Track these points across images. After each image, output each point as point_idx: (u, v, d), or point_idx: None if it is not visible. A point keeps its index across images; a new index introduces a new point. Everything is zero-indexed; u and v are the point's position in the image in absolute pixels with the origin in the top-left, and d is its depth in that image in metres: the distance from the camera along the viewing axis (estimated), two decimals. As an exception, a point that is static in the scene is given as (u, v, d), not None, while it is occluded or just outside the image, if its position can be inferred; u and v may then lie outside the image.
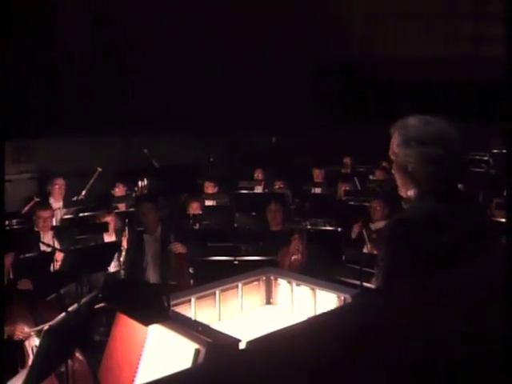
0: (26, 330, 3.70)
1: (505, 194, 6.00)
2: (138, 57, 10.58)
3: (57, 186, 7.21)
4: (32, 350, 3.62)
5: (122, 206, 7.28)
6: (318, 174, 8.78)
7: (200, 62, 10.53)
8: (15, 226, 6.04)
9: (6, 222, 5.84)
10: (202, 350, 2.15)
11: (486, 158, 9.26)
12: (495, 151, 9.17)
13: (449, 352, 0.94)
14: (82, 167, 8.04)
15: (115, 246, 5.35)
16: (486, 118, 9.41)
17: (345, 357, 0.95)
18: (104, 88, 10.29)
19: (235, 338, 2.22)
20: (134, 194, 7.76)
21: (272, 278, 3.12)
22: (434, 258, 2.01)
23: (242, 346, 2.14)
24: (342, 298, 2.79)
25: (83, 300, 3.18)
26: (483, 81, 10.16)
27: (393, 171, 2.27)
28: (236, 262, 4.75)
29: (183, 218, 6.66)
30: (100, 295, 3.90)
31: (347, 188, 7.98)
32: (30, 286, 4.25)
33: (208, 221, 6.53)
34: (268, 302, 3.13)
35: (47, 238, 5.64)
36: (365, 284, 4.38)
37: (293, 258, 5.38)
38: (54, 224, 6.37)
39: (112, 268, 5.54)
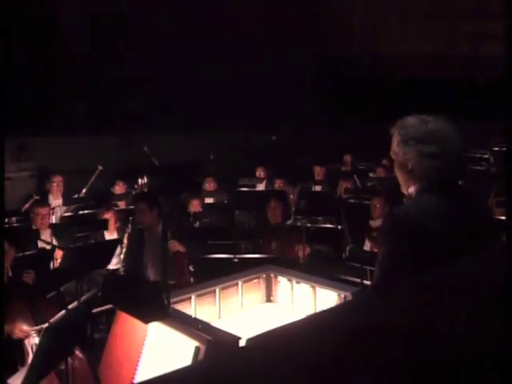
0: (25, 328, 3.69)
1: (497, 188, 6.02)
2: (138, 55, 10.57)
3: (55, 184, 7.20)
4: (32, 348, 3.62)
5: (121, 204, 7.29)
6: (318, 172, 8.79)
7: (199, 60, 10.52)
8: (15, 224, 6.03)
9: (6, 220, 5.83)
10: (202, 348, 2.15)
11: (486, 156, 9.26)
12: (496, 149, 9.17)
13: (449, 350, 0.94)
14: (82, 165, 8.04)
15: (115, 244, 5.34)
16: (487, 115, 9.39)
17: (345, 354, 0.95)
18: (104, 86, 10.29)
19: (235, 336, 2.22)
20: (133, 192, 7.76)
21: (272, 275, 3.12)
22: (434, 252, 2.02)
23: (241, 343, 2.14)
24: (343, 295, 2.78)
25: (83, 298, 3.18)
26: (483, 79, 10.15)
27: (395, 170, 2.31)
28: (236, 260, 4.73)
29: (183, 215, 6.65)
30: (100, 293, 3.90)
31: (347, 186, 7.98)
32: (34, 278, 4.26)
33: (208, 218, 6.52)
34: (268, 300, 3.12)
35: (46, 236, 5.64)
36: (365, 282, 4.38)
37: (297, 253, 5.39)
38: (54, 222, 6.37)
39: (112, 265, 5.54)
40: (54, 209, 6.62)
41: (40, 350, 2.70)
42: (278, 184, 8.01)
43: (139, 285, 4.74)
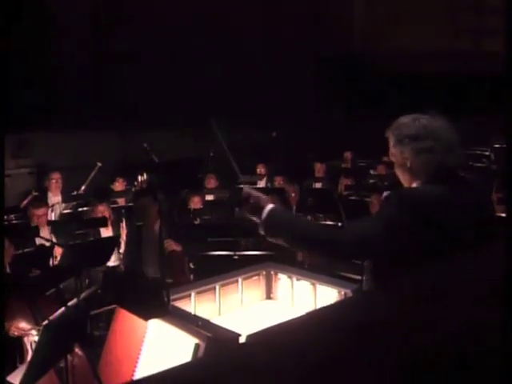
0: (24, 325, 3.68)
1: (498, 185, 6.00)
2: (138, 53, 10.56)
3: (53, 181, 7.16)
4: (31, 345, 3.61)
5: (121, 201, 7.28)
6: (319, 169, 8.78)
7: (200, 58, 10.51)
8: (14, 221, 6.02)
9: (5, 217, 5.82)
10: (202, 345, 2.14)
11: (487, 153, 9.25)
12: (496, 146, 9.15)
13: (449, 348, 0.94)
14: (81, 162, 8.03)
15: (114, 241, 5.34)
16: (488, 112, 9.38)
17: (345, 351, 0.94)
18: (103, 83, 10.28)
19: (235, 333, 2.21)
20: (133, 189, 7.75)
21: (272, 272, 3.11)
22: (433, 233, 2.05)
23: (241, 340, 2.13)
24: (343, 292, 2.78)
25: (83, 295, 3.17)
26: (485, 75, 10.13)
27: (395, 170, 2.35)
28: (236, 257, 4.73)
29: (184, 212, 6.64)
30: (99, 290, 3.90)
31: (348, 183, 7.97)
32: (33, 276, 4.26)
33: (208, 215, 6.52)
34: (268, 297, 3.12)
35: (45, 233, 5.63)
36: (366, 279, 4.36)
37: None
38: (53, 219, 6.35)
39: (111, 262, 5.53)
40: (53, 206, 6.61)
41: (39, 347, 2.69)
42: (278, 181, 8.00)
43: (139, 282, 4.74)
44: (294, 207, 7.00)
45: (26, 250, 4.77)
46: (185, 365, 1.05)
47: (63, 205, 6.97)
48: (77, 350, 2.78)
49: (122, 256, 5.48)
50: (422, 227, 2.05)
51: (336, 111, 11.12)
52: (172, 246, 5.11)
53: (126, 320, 2.52)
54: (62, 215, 6.64)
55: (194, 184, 7.79)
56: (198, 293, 2.79)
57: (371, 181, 8.35)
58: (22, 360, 3.62)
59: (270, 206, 2.25)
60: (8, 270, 4.22)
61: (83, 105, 9.73)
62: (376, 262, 2.21)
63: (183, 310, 2.57)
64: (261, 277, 3.10)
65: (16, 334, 3.71)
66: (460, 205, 2.15)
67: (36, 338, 3.42)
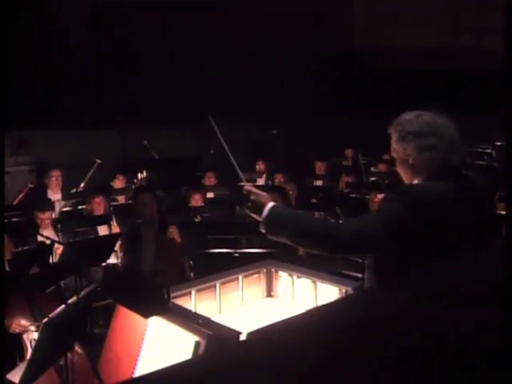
0: (23, 322, 3.68)
1: (500, 182, 5.98)
2: (138, 50, 10.55)
3: (53, 178, 7.14)
4: (30, 343, 3.60)
5: (121, 199, 7.27)
6: (320, 167, 8.78)
7: (201, 57, 10.50)
8: (13, 219, 6.00)
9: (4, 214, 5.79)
10: (203, 343, 2.14)
11: (488, 151, 9.23)
12: (498, 144, 9.12)
13: (449, 345, 0.93)
14: (81, 160, 8.02)
15: (115, 238, 5.32)
16: (489, 109, 9.35)
17: (345, 348, 0.94)
18: (103, 80, 10.27)
19: (236, 331, 2.20)
20: (133, 186, 7.74)
21: (273, 270, 3.10)
22: (434, 229, 2.05)
23: (242, 338, 2.12)
24: (344, 290, 2.77)
25: (82, 293, 3.16)
26: (485, 72, 10.10)
27: (397, 167, 2.35)
28: (236, 255, 4.72)
29: (184, 210, 6.64)
30: (99, 288, 3.88)
31: (349, 180, 7.96)
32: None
33: (209, 213, 6.51)
34: (269, 295, 3.11)
35: (48, 233, 5.59)
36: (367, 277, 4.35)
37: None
38: (53, 217, 6.34)
39: (110, 259, 5.52)
40: (53, 203, 6.60)
41: (39, 345, 2.68)
42: (278, 179, 7.99)
43: (139, 279, 4.72)
44: (293, 205, 6.99)
45: (25, 247, 4.76)
46: (185, 362, 1.04)
47: (63, 202, 6.96)
48: (77, 347, 2.78)
49: (118, 254, 5.46)
50: (423, 224, 2.04)
51: (336, 109, 11.09)
52: (174, 233, 5.14)
53: (126, 318, 2.51)
54: (61, 213, 6.63)
55: (194, 182, 7.78)
56: (199, 290, 2.78)
57: (372, 178, 8.34)
58: (22, 358, 3.62)
59: (270, 204, 2.24)
60: (7, 267, 4.21)
61: (83, 103, 9.73)
62: (377, 260, 2.21)
63: (183, 308, 2.56)
64: (261, 274, 3.09)
65: (17, 330, 3.70)
66: (462, 202, 2.15)
67: (35, 336, 3.41)
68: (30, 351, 3.52)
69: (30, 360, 2.70)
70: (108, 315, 2.74)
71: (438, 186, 2.16)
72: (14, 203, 6.92)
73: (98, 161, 7.85)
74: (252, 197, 2.32)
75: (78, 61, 10.36)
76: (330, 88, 11.71)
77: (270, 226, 2.21)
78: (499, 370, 0.87)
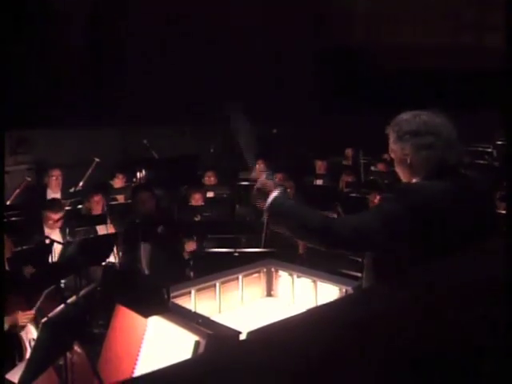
0: (21, 313, 3.67)
1: (500, 182, 5.97)
2: (138, 48, 10.54)
3: (53, 178, 7.12)
4: (30, 342, 3.60)
5: (120, 198, 7.26)
6: (320, 166, 8.78)
7: (201, 56, 10.49)
8: (13, 218, 5.98)
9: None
10: (202, 342, 2.13)
11: (489, 150, 9.22)
12: (499, 143, 9.10)
13: (449, 343, 0.93)
14: (80, 159, 8.01)
15: (114, 238, 5.32)
16: (490, 108, 9.34)
17: (345, 347, 0.95)
18: (102, 79, 10.27)
19: (235, 330, 2.20)
20: (132, 185, 7.73)
21: (273, 269, 3.09)
22: (432, 227, 2.05)
23: (242, 338, 2.11)
24: (344, 289, 2.76)
25: (82, 292, 3.16)
26: (486, 71, 10.08)
27: (395, 167, 2.36)
28: (236, 254, 4.71)
29: (184, 209, 6.63)
30: (99, 287, 3.88)
31: (348, 180, 7.95)
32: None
33: (209, 213, 6.51)
34: (269, 294, 3.10)
35: (54, 233, 5.56)
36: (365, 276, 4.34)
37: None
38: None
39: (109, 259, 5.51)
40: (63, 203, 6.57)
41: (38, 344, 2.68)
42: (279, 178, 7.98)
43: (138, 279, 4.73)
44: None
45: (25, 247, 4.75)
46: (185, 362, 1.04)
47: (63, 202, 6.95)
48: (76, 347, 2.77)
49: (115, 253, 5.45)
50: (422, 223, 2.04)
51: (337, 109, 11.08)
52: (193, 246, 5.16)
53: (126, 317, 2.50)
54: (62, 216, 6.60)
55: (194, 181, 7.77)
56: (198, 290, 2.77)
57: (371, 177, 8.33)
58: (21, 358, 3.61)
59: (274, 193, 2.24)
60: (7, 266, 4.20)
61: (83, 102, 9.72)
62: (376, 260, 2.21)
63: (183, 308, 2.56)
64: (261, 274, 3.08)
65: (21, 322, 3.68)
66: (460, 201, 2.15)
67: (34, 336, 3.40)
68: (29, 351, 3.52)
69: (29, 360, 2.70)
70: (108, 314, 2.73)
71: (436, 186, 2.16)
72: (11, 199, 6.90)
73: (97, 159, 7.85)
74: (258, 185, 2.32)
75: (77, 59, 10.35)
76: (330, 87, 11.69)
77: (271, 215, 2.25)
78: (499, 368, 0.86)
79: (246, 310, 2.95)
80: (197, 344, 2.13)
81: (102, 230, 5.95)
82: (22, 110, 7.92)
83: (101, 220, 5.93)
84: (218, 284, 2.86)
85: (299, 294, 2.96)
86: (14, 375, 2.91)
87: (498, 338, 0.95)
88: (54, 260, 4.95)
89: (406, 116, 2.28)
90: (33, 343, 3.29)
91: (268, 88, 10.39)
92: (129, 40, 10.71)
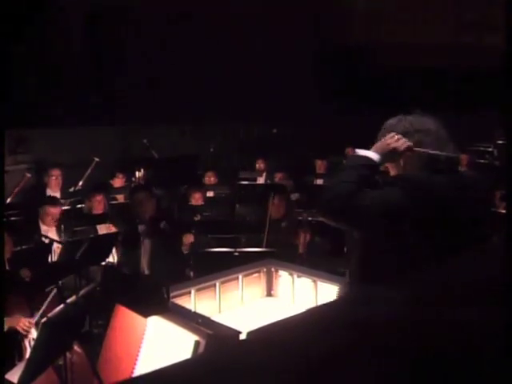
0: (23, 319, 3.66)
1: (501, 181, 5.97)
2: (138, 47, 10.54)
3: (53, 177, 7.11)
4: (29, 342, 3.60)
5: (120, 197, 7.25)
6: (320, 165, 8.78)
7: (201, 55, 10.49)
8: (12, 218, 5.97)
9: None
10: (202, 342, 2.13)
11: (490, 149, 9.21)
12: (500, 142, 9.09)
13: (449, 343, 0.93)
14: (80, 158, 8.01)
15: (113, 237, 5.31)
16: (490, 108, 9.33)
17: (345, 347, 0.94)
18: (102, 79, 10.27)
19: (235, 330, 2.19)
20: (132, 185, 7.73)
21: (273, 269, 3.09)
22: (433, 224, 2.09)
23: (242, 337, 2.11)
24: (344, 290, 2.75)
25: (82, 292, 3.16)
26: (487, 70, 10.08)
27: (387, 166, 2.45)
28: (236, 254, 4.71)
29: (184, 209, 6.63)
30: (99, 287, 3.88)
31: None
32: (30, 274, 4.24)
33: (209, 212, 6.51)
34: (269, 294, 3.10)
35: (51, 231, 5.56)
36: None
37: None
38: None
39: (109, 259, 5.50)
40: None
41: (38, 344, 2.68)
42: (279, 178, 7.98)
43: (138, 279, 4.73)
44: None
45: (25, 246, 4.74)
46: (185, 362, 1.04)
47: (62, 201, 6.94)
48: (76, 347, 2.77)
49: (119, 255, 5.45)
50: (422, 211, 2.09)
51: (337, 108, 11.08)
52: (191, 238, 5.16)
53: (126, 317, 2.50)
54: (61, 212, 6.60)
55: (194, 180, 7.77)
56: (198, 290, 2.77)
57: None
58: (21, 357, 3.60)
59: (358, 151, 2.33)
60: (7, 266, 4.20)
61: (83, 102, 9.72)
62: (362, 258, 2.23)
63: (183, 307, 2.55)
64: (261, 274, 3.08)
65: (20, 328, 3.68)
66: (451, 195, 2.17)
67: (34, 335, 3.40)
68: (28, 351, 3.52)
69: (29, 360, 2.69)
70: (107, 314, 2.73)
71: (432, 177, 2.20)
72: (11, 196, 6.89)
73: (97, 159, 7.84)
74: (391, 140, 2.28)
75: (77, 59, 10.34)
76: (330, 87, 11.68)
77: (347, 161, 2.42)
78: (500, 369, 0.86)
79: (246, 309, 2.95)
80: (197, 344, 2.13)
81: (102, 229, 5.95)
82: (21, 110, 7.93)
83: (102, 219, 5.93)
84: (217, 284, 2.86)
85: (299, 293, 2.96)
86: (14, 375, 2.91)
87: (498, 338, 0.95)
88: (53, 259, 4.95)
89: (391, 121, 2.34)
90: (32, 343, 3.29)
91: (268, 88, 10.37)
92: (129, 40, 10.71)
